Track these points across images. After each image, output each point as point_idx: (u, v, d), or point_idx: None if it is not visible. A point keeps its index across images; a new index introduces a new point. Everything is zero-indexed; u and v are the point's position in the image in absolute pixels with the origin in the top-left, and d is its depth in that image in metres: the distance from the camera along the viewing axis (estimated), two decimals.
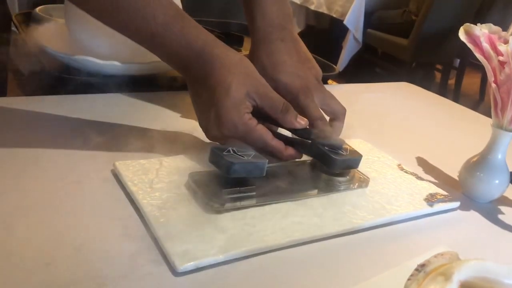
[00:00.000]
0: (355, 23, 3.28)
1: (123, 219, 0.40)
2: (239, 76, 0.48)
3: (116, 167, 0.47)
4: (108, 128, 0.57)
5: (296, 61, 0.59)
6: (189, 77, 0.51)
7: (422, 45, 3.03)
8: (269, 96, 0.50)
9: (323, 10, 3.49)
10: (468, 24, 0.51)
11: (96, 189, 0.44)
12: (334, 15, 3.41)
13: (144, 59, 0.68)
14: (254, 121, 0.48)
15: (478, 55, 0.51)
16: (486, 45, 0.51)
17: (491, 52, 0.51)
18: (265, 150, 0.49)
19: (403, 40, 3.17)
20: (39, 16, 0.84)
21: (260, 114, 0.50)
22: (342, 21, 3.27)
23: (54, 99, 0.63)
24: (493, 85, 0.51)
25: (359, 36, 3.32)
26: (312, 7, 3.57)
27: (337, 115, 0.58)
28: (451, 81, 3.51)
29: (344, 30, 3.34)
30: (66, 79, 0.68)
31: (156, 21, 0.47)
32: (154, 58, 0.52)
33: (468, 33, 0.51)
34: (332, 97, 0.58)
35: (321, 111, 0.56)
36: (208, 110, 0.48)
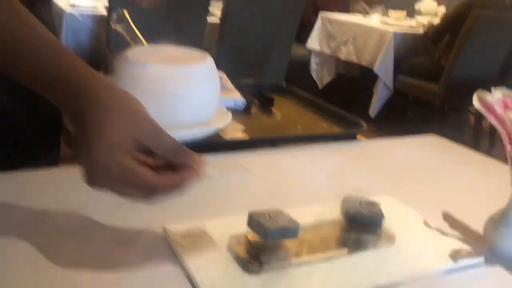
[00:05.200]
0: (385, 71, 3.34)
1: (172, 279, 0.46)
2: (118, 114, 0.44)
3: (165, 229, 0.53)
4: None
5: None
6: (67, 116, 0.47)
7: (453, 90, 3.05)
8: (159, 137, 0.46)
9: (353, 59, 3.57)
10: (480, 90, 0.56)
11: (146, 249, 0.50)
12: (364, 64, 3.48)
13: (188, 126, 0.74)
14: (128, 160, 0.43)
15: (492, 121, 0.55)
16: (499, 110, 0.55)
17: (505, 116, 0.55)
18: (152, 190, 0.45)
19: (433, 86, 3.19)
20: None
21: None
22: (372, 69, 3.34)
23: None
24: (508, 146, 0.55)
25: (390, 83, 3.37)
26: (342, 57, 3.66)
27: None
28: (486, 123, 3.48)
29: (375, 77, 3.40)
30: None
31: (28, 52, 0.46)
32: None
33: (481, 100, 0.56)
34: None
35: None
36: (82, 156, 0.44)
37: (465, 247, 0.57)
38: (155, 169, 0.46)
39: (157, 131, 0.46)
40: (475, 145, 3.32)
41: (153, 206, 0.53)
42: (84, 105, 0.44)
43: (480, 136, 3.46)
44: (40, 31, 0.48)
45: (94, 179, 0.44)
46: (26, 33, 0.48)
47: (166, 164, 0.47)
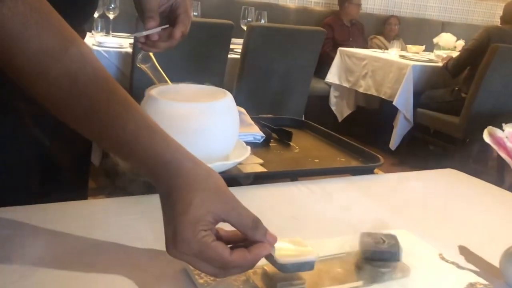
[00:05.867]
0: (405, 104, 3.35)
1: None
2: (202, 192, 0.48)
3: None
4: None
5: None
6: (158, 189, 0.51)
7: (474, 122, 3.04)
8: (237, 212, 0.49)
9: (372, 92, 3.60)
10: (490, 127, 0.57)
11: (169, 280, 0.52)
12: (383, 97, 3.50)
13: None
14: (210, 238, 0.47)
15: (503, 155, 0.57)
16: (510, 145, 0.56)
17: None
18: (229, 267, 0.48)
19: (454, 118, 3.19)
20: None
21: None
22: (392, 101, 3.36)
23: (129, 199, 0.73)
24: None
25: (410, 116, 3.38)
26: (361, 90, 3.70)
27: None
28: None
29: (394, 110, 3.41)
30: (139, 179, 0.79)
31: (125, 131, 0.49)
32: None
33: (491, 135, 0.57)
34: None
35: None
36: (168, 227, 0.48)
37: (481, 280, 0.57)
38: (227, 240, 0.50)
39: (237, 207, 0.50)
40: (498, 178, 3.27)
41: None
42: (175, 183, 0.48)
43: (504, 168, 3.41)
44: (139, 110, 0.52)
45: (175, 250, 0.48)
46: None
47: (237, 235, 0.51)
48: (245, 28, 2.68)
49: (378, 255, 0.56)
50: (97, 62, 0.51)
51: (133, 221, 0.65)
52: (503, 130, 0.58)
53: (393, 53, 3.74)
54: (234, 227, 0.49)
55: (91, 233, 0.61)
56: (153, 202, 0.72)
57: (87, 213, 0.68)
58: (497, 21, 3.88)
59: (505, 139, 0.56)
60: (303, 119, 1.27)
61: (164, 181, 0.49)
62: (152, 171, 0.50)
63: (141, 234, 0.61)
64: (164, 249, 0.56)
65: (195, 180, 0.49)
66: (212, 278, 0.51)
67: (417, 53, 4.11)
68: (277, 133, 1.08)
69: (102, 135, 0.51)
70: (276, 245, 0.51)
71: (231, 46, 2.62)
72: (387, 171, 0.98)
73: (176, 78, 0.87)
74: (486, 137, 0.57)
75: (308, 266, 0.50)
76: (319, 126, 1.16)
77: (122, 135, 0.49)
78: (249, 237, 0.50)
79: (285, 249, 0.50)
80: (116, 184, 0.82)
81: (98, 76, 0.50)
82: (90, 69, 0.50)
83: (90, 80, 0.49)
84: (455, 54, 3.51)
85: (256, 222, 0.50)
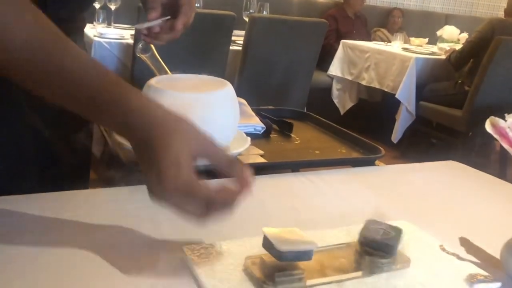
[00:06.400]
0: (407, 96, 3.34)
1: None
2: (179, 134, 0.50)
3: (183, 250, 0.55)
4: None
5: None
6: (131, 141, 0.52)
7: (477, 115, 3.02)
8: (213, 149, 0.52)
9: (375, 85, 3.58)
10: (493, 117, 0.57)
11: (165, 268, 0.52)
12: (386, 89, 3.49)
13: None
14: (194, 175, 0.49)
15: (505, 145, 0.56)
16: None
17: None
18: (214, 203, 0.50)
19: (457, 111, 3.17)
20: None
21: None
22: (394, 94, 3.34)
23: (129, 189, 0.73)
24: None
25: (412, 108, 3.36)
26: (364, 83, 3.68)
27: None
28: None
29: (397, 103, 3.40)
30: (139, 170, 0.79)
31: (92, 86, 0.50)
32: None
33: (493, 125, 0.57)
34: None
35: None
36: (151, 171, 0.49)
37: (481, 272, 0.57)
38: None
39: (213, 146, 0.52)
40: (500, 171, 3.26)
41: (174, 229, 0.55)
42: (150, 129, 0.50)
43: (507, 162, 3.40)
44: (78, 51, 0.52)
45: (160, 191, 0.49)
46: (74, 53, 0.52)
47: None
48: (247, 19, 2.66)
49: (374, 245, 0.55)
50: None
51: (132, 210, 0.65)
52: (505, 121, 0.57)
53: (396, 46, 3.72)
54: (212, 163, 0.52)
55: (90, 221, 0.61)
56: None
57: (86, 202, 0.67)
58: (501, 14, 3.85)
59: (507, 129, 0.56)
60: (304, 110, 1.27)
61: (138, 129, 0.50)
62: (124, 124, 0.50)
63: (140, 223, 0.61)
64: (162, 237, 0.56)
65: (169, 124, 0.50)
66: (209, 265, 0.51)
67: (420, 45, 4.09)
68: (277, 124, 1.07)
69: (64, 94, 0.51)
70: (275, 234, 0.51)
71: (233, 38, 2.61)
72: (388, 164, 0.97)
73: (177, 69, 0.87)
74: (488, 127, 0.57)
75: (306, 255, 0.50)
76: (320, 118, 1.15)
77: (88, 90, 0.50)
78: (226, 174, 0.51)
79: (284, 238, 0.50)
80: (116, 175, 0.81)
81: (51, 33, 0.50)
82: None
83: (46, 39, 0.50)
84: (458, 47, 3.49)
85: (235, 159, 0.52)
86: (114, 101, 0.51)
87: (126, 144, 0.80)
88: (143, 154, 0.50)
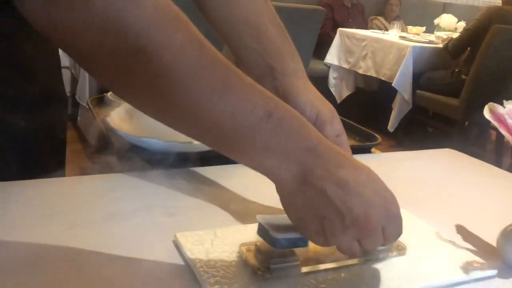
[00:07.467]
0: (404, 85, 3.33)
1: (182, 286, 0.47)
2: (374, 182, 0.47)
3: (176, 237, 0.54)
4: (171, 201, 0.64)
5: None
6: (280, 180, 0.46)
7: (474, 104, 3.02)
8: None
9: (372, 73, 3.57)
10: (491, 103, 0.56)
11: (158, 256, 0.51)
12: (383, 78, 3.48)
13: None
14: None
15: (503, 132, 0.55)
16: (511, 122, 0.55)
17: None
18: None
19: (453, 100, 3.17)
20: (110, 100, 0.96)
21: None
22: (391, 83, 3.34)
23: (122, 176, 0.72)
24: None
25: (409, 97, 3.36)
26: (361, 71, 3.67)
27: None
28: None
29: (394, 91, 3.39)
30: (132, 157, 0.78)
31: (256, 116, 0.42)
32: None
33: (492, 112, 0.56)
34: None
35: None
36: (336, 212, 0.43)
37: (477, 259, 0.56)
38: None
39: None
40: (496, 161, 3.27)
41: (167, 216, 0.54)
42: (344, 167, 0.45)
43: (502, 151, 3.41)
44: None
45: (348, 235, 0.44)
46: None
47: None
48: None
49: None
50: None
51: (123, 197, 0.64)
52: (504, 107, 0.56)
53: (393, 34, 3.70)
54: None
55: (81, 209, 0.60)
56: (146, 178, 0.71)
57: (76, 190, 0.66)
58: (498, 2, 3.83)
59: (505, 116, 0.55)
60: None
61: (314, 166, 0.44)
62: (298, 158, 0.44)
63: (131, 210, 0.60)
64: (155, 225, 0.55)
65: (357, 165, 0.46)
66: (203, 252, 0.50)
67: (418, 34, 4.07)
68: None
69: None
70: (270, 220, 0.50)
71: None
72: (385, 152, 0.96)
73: None
74: (486, 113, 0.56)
75: (302, 242, 0.49)
76: None
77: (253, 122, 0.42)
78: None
79: (279, 225, 0.49)
80: (109, 162, 0.80)
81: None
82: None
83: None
84: (455, 35, 3.47)
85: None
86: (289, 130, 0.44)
87: (119, 130, 0.79)
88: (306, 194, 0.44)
